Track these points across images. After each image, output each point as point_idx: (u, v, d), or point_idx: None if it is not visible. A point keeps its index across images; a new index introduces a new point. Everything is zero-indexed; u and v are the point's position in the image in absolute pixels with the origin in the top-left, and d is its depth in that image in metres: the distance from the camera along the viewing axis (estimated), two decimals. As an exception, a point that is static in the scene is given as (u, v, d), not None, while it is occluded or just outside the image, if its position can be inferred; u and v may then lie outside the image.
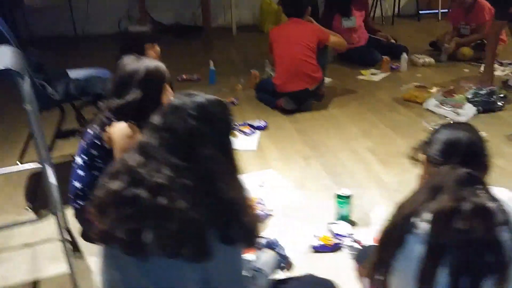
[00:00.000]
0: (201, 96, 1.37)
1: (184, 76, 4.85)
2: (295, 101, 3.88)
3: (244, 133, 3.51)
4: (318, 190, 2.77)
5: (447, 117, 3.66)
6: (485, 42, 5.06)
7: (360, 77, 4.77)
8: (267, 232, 2.32)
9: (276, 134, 3.56)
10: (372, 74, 4.83)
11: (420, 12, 7.52)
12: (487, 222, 1.31)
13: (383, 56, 4.91)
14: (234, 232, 1.27)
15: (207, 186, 1.26)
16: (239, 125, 3.60)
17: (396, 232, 1.39)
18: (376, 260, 1.43)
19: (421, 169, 1.57)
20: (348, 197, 2.41)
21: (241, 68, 5.09)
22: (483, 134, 3.17)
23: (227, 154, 1.36)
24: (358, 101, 4.15)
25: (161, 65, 2.24)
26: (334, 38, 4.03)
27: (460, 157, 1.46)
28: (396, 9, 7.65)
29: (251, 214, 1.39)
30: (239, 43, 6.35)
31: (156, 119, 1.33)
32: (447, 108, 3.73)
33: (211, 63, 4.71)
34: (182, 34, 6.87)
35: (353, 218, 2.46)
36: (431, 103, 3.84)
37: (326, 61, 4.21)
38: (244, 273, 1.43)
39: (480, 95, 3.79)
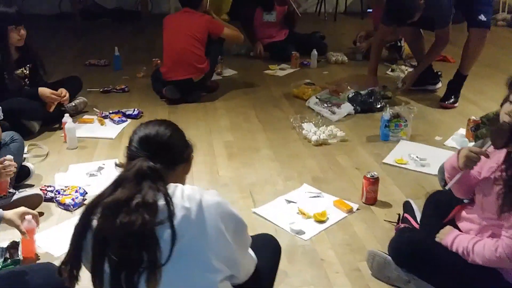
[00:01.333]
0: None
1: (91, 61, 4.86)
2: (179, 90, 3.88)
3: (113, 121, 3.52)
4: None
5: (323, 115, 3.67)
6: (400, 43, 5.10)
7: (267, 71, 4.77)
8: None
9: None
10: (281, 69, 4.83)
11: (368, 10, 7.49)
12: (146, 218, 1.32)
13: (292, 52, 4.90)
14: None
15: None
16: (111, 112, 3.61)
17: (78, 227, 1.39)
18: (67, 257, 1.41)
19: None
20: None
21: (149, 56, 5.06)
22: (341, 133, 3.22)
23: None
24: (249, 95, 4.15)
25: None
26: (228, 31, 4.02)
27: (150, 151, 1.47)
28: (343, 7, 7.64)
29: None
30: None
31: None
32: (323, 107, 3.74)
33: (116, 49, 4.71)
34: (121, 19, 6.89)
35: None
36: (312, 101, 3.85)
37: (219, 54, 4.21)
38: None
39: (360, 95, 3.80)
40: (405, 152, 3.07)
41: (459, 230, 1.89)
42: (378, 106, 3.76)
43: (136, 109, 3.68)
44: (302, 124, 3.45)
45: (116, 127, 3.46)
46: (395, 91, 4.12)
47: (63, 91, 3.36)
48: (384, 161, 3.01)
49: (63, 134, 3.21)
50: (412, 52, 4.56)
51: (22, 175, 2.66)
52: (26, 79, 3.39)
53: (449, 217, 1.99)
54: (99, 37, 6.06)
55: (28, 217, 2.04)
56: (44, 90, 3.30)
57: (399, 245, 1.92)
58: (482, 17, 3.78)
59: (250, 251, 1.64)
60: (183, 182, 1.54)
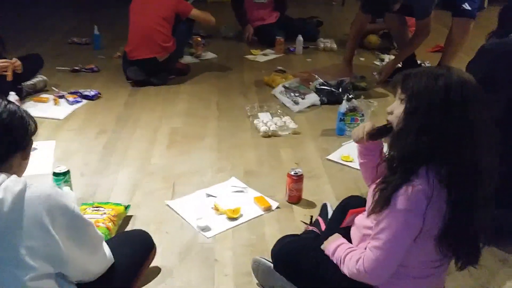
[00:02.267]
0: None
1: (74, 39, 4.82)
2: (144, 71, 3.78)
3: (68, 101, 3.47)
4: (89, 164, 2.72)
5: (286, 104, 3.50)
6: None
7: (248, 56, 4.62)
8: None
9: (99, 105, 3.50)
10: (264, 54, 4.66)
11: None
12: None
13: (277, 37, 4.72)
14: None
15: None
16: (69, 93, 3.56)
17: None
18: None
19: None
20: (64, 173, 2.35)
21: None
22: (294, 125, 3.05)
23: None
24: (219, 80, 4.02)
25: None
26: (197, 12, 3.90)
27: None
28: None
29: None
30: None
31: None
32: (288, 96, 3.57)
33: (96, 28, 4.65)
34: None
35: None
36: (278, 90, 3.68)
37: (187, 35, 4.09)
38: None
39: (328, 85, 3.60)
40: (355, 149, 2.88)
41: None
42: (348, 97, 3.56)
43: (93, 90, 3.60)
44: (259, 114, 3.31)
45: (69, 107, 3.40)
46: (372, 83, 3.90)
47: (14, 59, 3.30)
48: (328, 157, 2.84)
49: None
50: (395, 41, 4.32)
51: None
52: (-17, 55, 3.36)
53: (343, 223, 1.82)
54: (96, 15, 6.02)
55: None
56: None
57: (277, 251, 1.78)
58: (466, 6, 3.54)
59: (104, 250, 1.55)
60: (20, 170, 1.45)
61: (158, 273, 1.93)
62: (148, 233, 1.85)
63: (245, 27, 5.07)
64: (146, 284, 1.85)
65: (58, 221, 1.32)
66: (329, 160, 2.82)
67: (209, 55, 4.61)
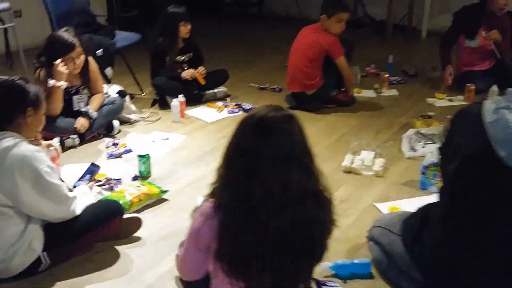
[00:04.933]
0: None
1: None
2: (295, 100, 4.26)
3: (228, 110, 4.18)
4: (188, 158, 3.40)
5: (402, 148, 3.39)
6: None
7: (429, 99, 4.43)
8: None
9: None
10: (450, 100, 4.39)
11: None
12: None
13: (467, 84, 4.35)
14: None
15: None
16: (235, 104, 4.27)
17: None
18: None
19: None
20: (144, 156, 3.05)
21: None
22: (379, 168, 3.08)
23: None
24: (372, 117, 4.07)
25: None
26: (343, 62, 4.09)
27: None
28: None
29: None
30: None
31: None
32: (414, 141, 3.43)
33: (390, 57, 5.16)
34: (378, 32, 7.14)
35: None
36: (409, 133, 3.57)
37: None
38: None
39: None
40: (413, 205, 2.65)
41: None
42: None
43: (250, 105, 4.22)
44: (363, 151, 3.33)
45: (223, 115, 4.11)
46: None
47: (200, 68, 4.23)
48: (376, 203, 2.74)
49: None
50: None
51: (108, 128, 3.68)
52: (184, 65, 4.36)
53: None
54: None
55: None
56: (185, 73, 4.23)
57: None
58: None
59: (70, 205, 2.18)
60: (26, 131, 2.18)
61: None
62: (118, 203, 2.38)
63: (445, 67, 4.74)
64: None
65: (25, 175, 2.02)
66: (374, 206, 2.72)
67: (392, 92, 4.62)
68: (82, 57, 3.36)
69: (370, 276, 2.16)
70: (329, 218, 1.59)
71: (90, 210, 2.26)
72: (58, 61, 3.25)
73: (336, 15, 3.97)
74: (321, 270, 2.10)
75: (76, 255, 2.28)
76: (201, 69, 4.28)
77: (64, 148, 3.33)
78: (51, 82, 3.24)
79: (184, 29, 4.22)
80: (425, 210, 2.00)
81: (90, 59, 3.54)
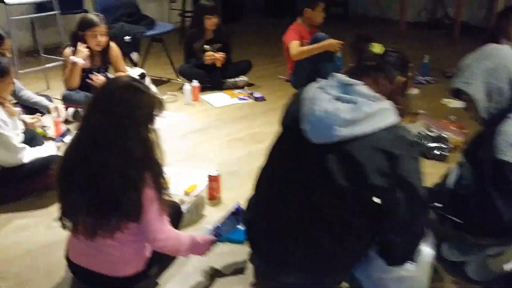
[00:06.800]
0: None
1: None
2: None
3: (239, 97, 4.46)
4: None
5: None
6: None
7: (446, 100, 4.27)
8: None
9: (255, 106, 4.32)
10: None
11: None
12: None
13: None
14: None
15: None
16: (248, 92, 4.54)
17: None
18: None
19: None
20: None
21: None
22: None
23: None
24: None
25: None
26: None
27: None
28: None
29: None
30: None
31: None
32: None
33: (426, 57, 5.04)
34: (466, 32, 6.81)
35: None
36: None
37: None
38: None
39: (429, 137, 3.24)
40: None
41: None
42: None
43: (261, 94, 4.46)
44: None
45: (233, 101, 4.40)
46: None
47: (218, 54, 4.55)
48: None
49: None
50: None
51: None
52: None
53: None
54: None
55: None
56: (206, 55, 4.55)
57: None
58: None
59: (18, 154, 2.71)
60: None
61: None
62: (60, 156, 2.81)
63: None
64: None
65: None
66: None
67: (412, 91, 4.51)
68: (105, 38, 3.90)
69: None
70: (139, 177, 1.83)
71: (35, 160, 2.75)
72: (81, 44, 3.83)
73: (318, 5, 4.23)
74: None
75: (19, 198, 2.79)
76: (220, 54, 4.59)
77: (77, 118, 3.88)
78: (72, 57, 3.83)
79: (209, 21, 4.56)
80: None
81: (112, 44, 4.06)
